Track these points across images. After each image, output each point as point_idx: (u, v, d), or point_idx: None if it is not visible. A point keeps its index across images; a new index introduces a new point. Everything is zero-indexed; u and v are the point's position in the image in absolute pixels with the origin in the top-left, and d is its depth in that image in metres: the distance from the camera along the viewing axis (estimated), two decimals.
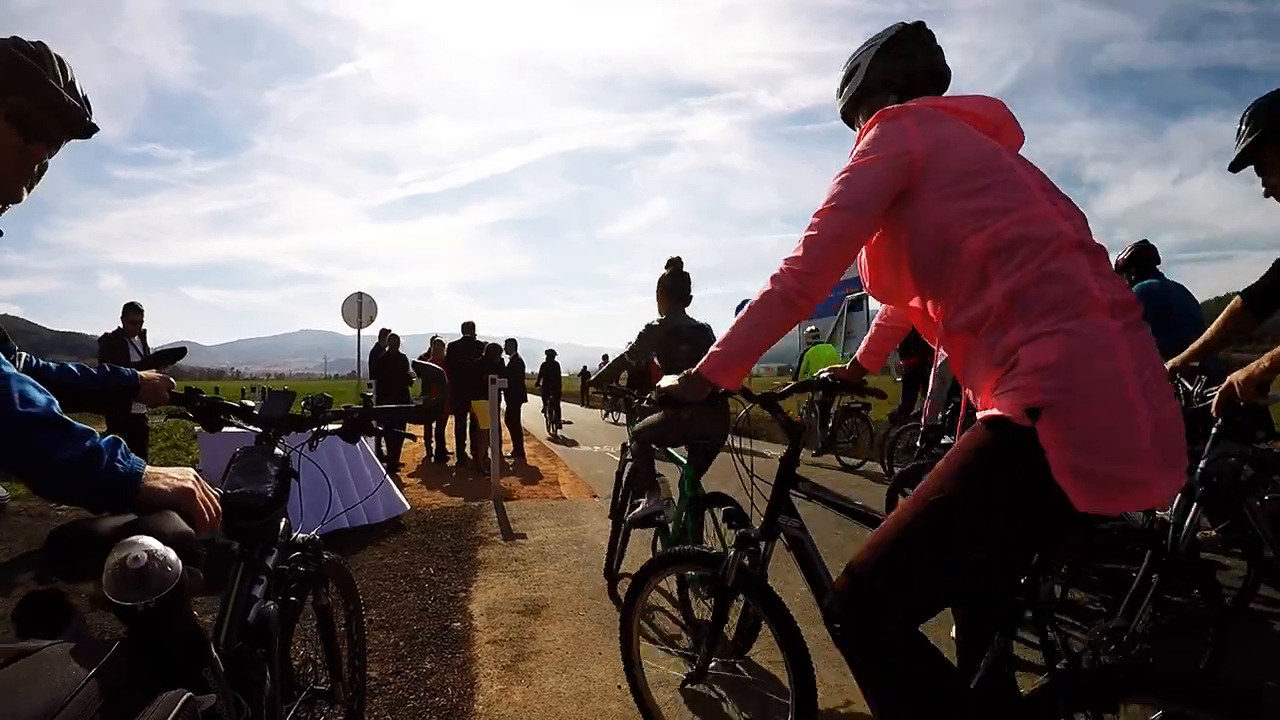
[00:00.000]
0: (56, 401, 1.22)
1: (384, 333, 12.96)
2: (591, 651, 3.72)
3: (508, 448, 12.32)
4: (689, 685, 2.68)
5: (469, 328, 11.88)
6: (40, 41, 1.52)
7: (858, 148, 1.78)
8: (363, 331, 14.30)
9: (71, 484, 1.18)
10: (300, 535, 2.04)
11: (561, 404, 21.19)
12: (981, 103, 1.86)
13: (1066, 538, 1.62)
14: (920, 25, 2.02)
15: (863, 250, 1.90)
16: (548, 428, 18.94)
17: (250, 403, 2.08)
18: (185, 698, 1.01)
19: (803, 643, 2.30)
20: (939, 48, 2.02)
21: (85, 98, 1.57)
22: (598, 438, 16.89)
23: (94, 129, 1.60)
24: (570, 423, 21.12)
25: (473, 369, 10.38)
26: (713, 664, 2.55)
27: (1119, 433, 1.41)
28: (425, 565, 5.38)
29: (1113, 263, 2.13)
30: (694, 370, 1.92)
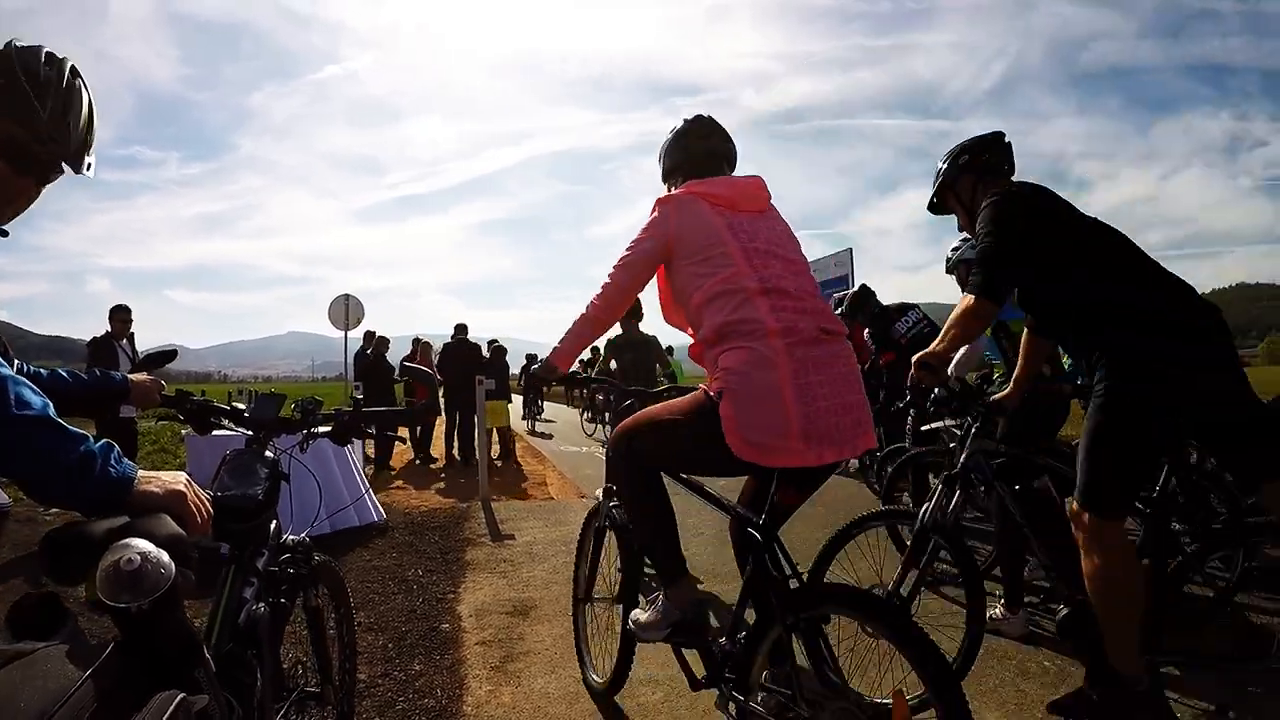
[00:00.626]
0: (51, 404, 1.23)
1: (369, 335, 12.94)
2: None
3: (495, 449, 12.34)
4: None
5: (462, 329, 11.89)
6: (51, 55, 1.45)
7: (644, 223, 2.56)
8: (350, 334, 14.27)
9: (66, 487, 1.20)
10: (290, 537, 2.04)
11: (544, 402, 22.80)
12: (727, 183, 2.59)
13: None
14: (700, 118, 2.79)
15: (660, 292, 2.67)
16: (523, 419, 20.44)
17: (240, 405, 2.08)
18: (179, 699, 1.02)
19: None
20: (721, 133, 2.77)
21: (59, 131, 1.46)
22: (583, 438, 16.92)
23: (75, 171, 1.54)
24: (553, 420, 21.19)
25: (479, 370, 10.41)
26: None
27: (769, 417, 2.14)
28: (414, 567, 5.39)
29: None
30: (546, 358, 2.68)
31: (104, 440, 1.28)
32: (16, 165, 1.41)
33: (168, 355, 2.21)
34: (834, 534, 3.33)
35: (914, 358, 3.04)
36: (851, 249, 13.59)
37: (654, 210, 2.56)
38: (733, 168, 2.76)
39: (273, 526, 1.90)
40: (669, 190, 2.70)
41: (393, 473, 11.11)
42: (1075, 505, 2.65)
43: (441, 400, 11.57)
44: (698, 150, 2.72)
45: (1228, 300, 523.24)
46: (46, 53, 1.45)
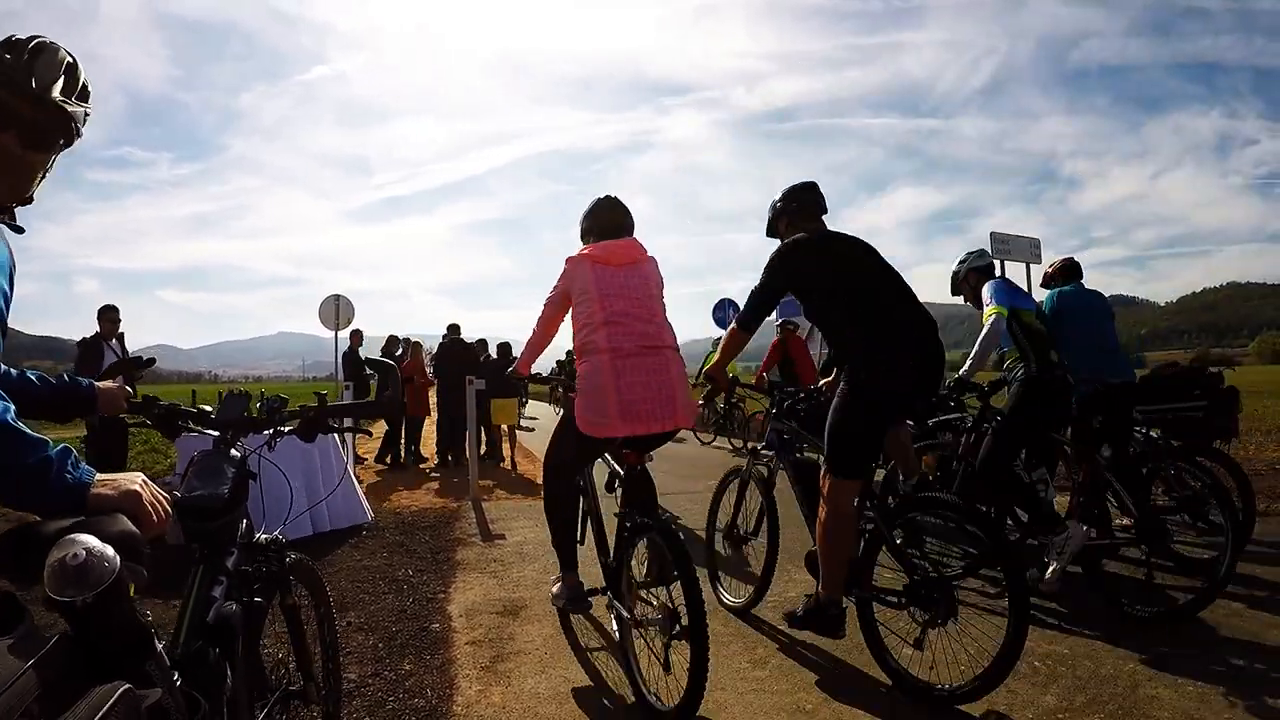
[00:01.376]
0: (13, 408, 1.25)
1: (355, 334, 12.93)
2: (571, 652, 3.74)
3: (506, 449, 12.38)
4: None
5: (454, 329, 11.90)
6: (30, 39, 1.50)
7: (558, 275, 3.71)
8: (341, 333, 14.25)
9: (22, 492, 1.23)
10: (263, 536, 2.04)
11: (529, 400, 23.86)
12: (609, 246, 3.66)
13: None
14: (609, 198, 3.88)
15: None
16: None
17: (208, 407, 2.07)
18: (123, 689, 1.03)
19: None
20: (622, 209, 3.85)
21: (60, 82, 1.51)
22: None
23: (64, 114, 1.54)
24: (536, 418, 21.16)
25: (472, 370, 10.45)
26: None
27: (598, 406, 3.32)
28: (404, 567, 5.37)
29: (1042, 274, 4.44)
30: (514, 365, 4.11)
31: (61, 446, 1.30)
32: (25, 142, 1.47)
33: (146, 362, 2.23)
34: None
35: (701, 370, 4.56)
36: None
37: (563, 268, 3.71)
38: (629, 233, 3.79)
39: (243, 525, 1.91)
40: (582, 246, 3.82)
41: (427, 467, 11.29)
42: (823, 469, 3.43)
43: (434, 400, 11.58)
44: (604, 221, 3.81)
45: (1219, 299, 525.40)
46: (29, 37, 1.50)
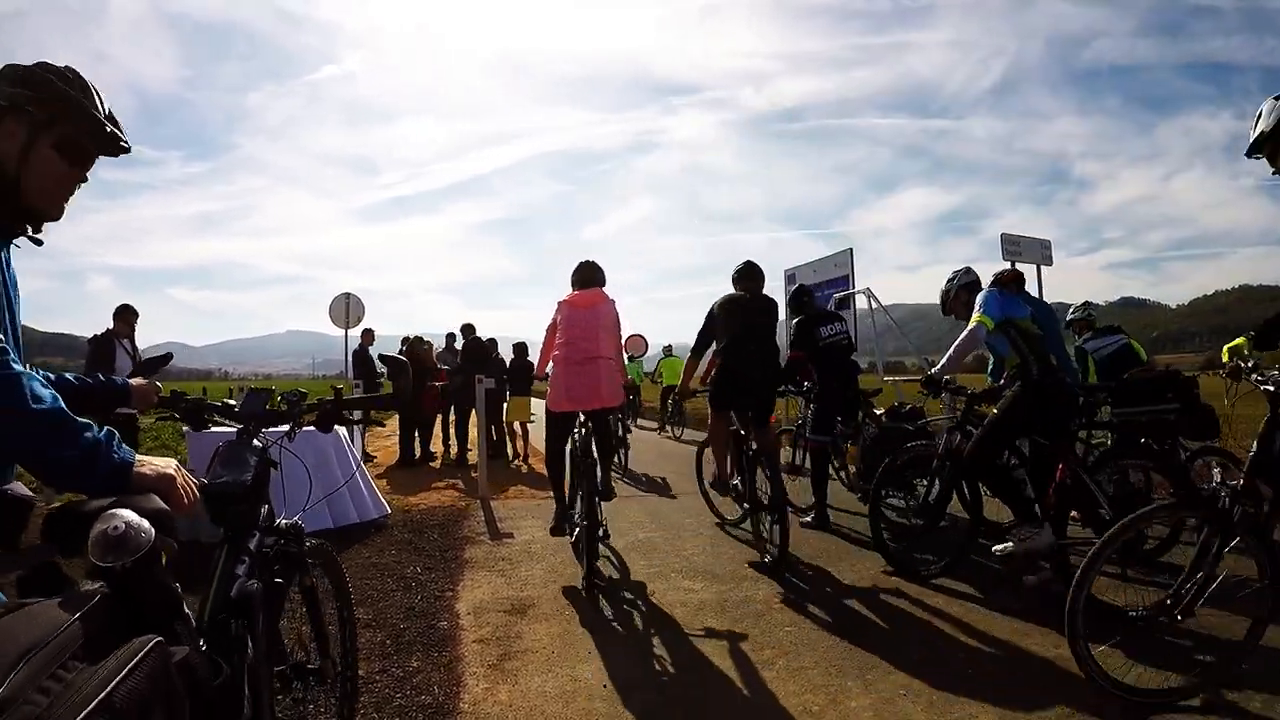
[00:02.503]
0: (60, 397, 1.41)
1: (367, 333, 12.98)
2: (578, 651, 3.74)
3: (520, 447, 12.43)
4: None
5: (469, 329, 11.97)
6: (70, 67, 1.68)
7: (552, 310, 5.60)
8: (351, 332, 14.30)
9: (75, 473, 1.38)
10: (283, 522, 2.16)
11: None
12: (575, 295, 5.53)
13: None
14: (588, 262, 5.71)
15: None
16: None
17: (232, 401, 2.20)
18: (155, 641, 1.15)
19: None
20: (594, 267, 5.66)
21: (112, 118, 1.71)
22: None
23: (126, 149, 1.75)
24: (534, 414, 21.24)
25: (484, 368, 10.50)
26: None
27: (557, 392, 5.32)
28: (412, 564, 5.39)
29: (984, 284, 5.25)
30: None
31: (107, 428, 1.45)
32: (70, 159, 1.65)
33: (164, 359, 2.40)
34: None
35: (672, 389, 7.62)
36: (851, 249, 13.56)
37: (556, 307, 5.57)
38: (597, 284, 5.62)
39: (264, 510, 2.03)
40: (568, 293, 5.63)
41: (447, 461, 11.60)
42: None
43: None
44: (580, 277, 5.68)
45: (1231, 302, 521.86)
46: (66, 66, 1.68)
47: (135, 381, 2.17)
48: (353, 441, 7.42)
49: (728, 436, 5.95)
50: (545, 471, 6.09)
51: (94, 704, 0.97)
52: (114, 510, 1.25)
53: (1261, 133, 3.41)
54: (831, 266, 13.79)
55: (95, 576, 1.22)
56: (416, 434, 12.10)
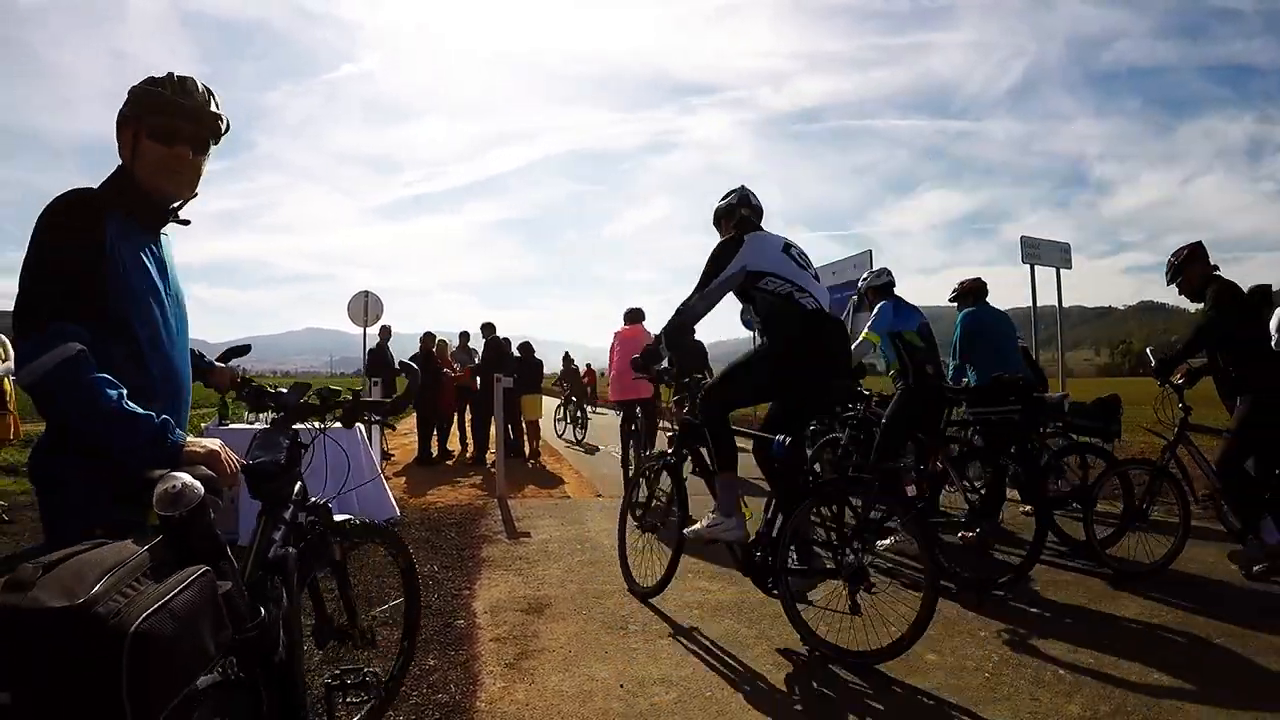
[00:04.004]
0: (125, 392, 1.74)
1: (384, 330, 13.04)
2: (595, 650, 3.74)
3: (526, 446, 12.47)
4: None
5: (489, 328, 12.02)
6: (170, 73, 1.99)
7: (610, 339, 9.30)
8: (370, 330, 14.36)
9: (141, 456, 1.69)
10: (315, 499, 2.44)
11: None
12: (624, 330, 9.09)
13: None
14: (632, 310, 9.21)
15: None
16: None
17: (283, 389, 2.51)
18: (205, 569, 1.46)
19: None
20: (636, 314, 9.17)
21: (210, 99, 2.01)
22: (597, 436, 16.91)
23: (217, 118, 2.04)
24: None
25: (503, 368, 10.57)
26: None
27: (616, 388, 9.04)
28: (430, 563, 5.41)
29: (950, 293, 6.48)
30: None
31: (163, 417, 1.78)
32: (163, 141, 1.93)
33: (244, 349, 2.77)
34: None
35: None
36: (871, 251, 13.52)
37: (613, 336, 9.13)
38: (639, 320, 9.08)
39: (297, 487, 2.31)
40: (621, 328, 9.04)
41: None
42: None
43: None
44: (631, 316, 9.08)
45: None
46: (167, 73, 2.00)
47: (220, 364, 2.57)
48: (370, 441, 7.44)
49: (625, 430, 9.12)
50: (560, 475, 7.17)
51: (157, 605, 1.29)
52: (172, 473, 1.52)
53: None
54: (850, 268, 13.75)
55: (158, 527, 1.49)
56: (435, 432, 12.17)
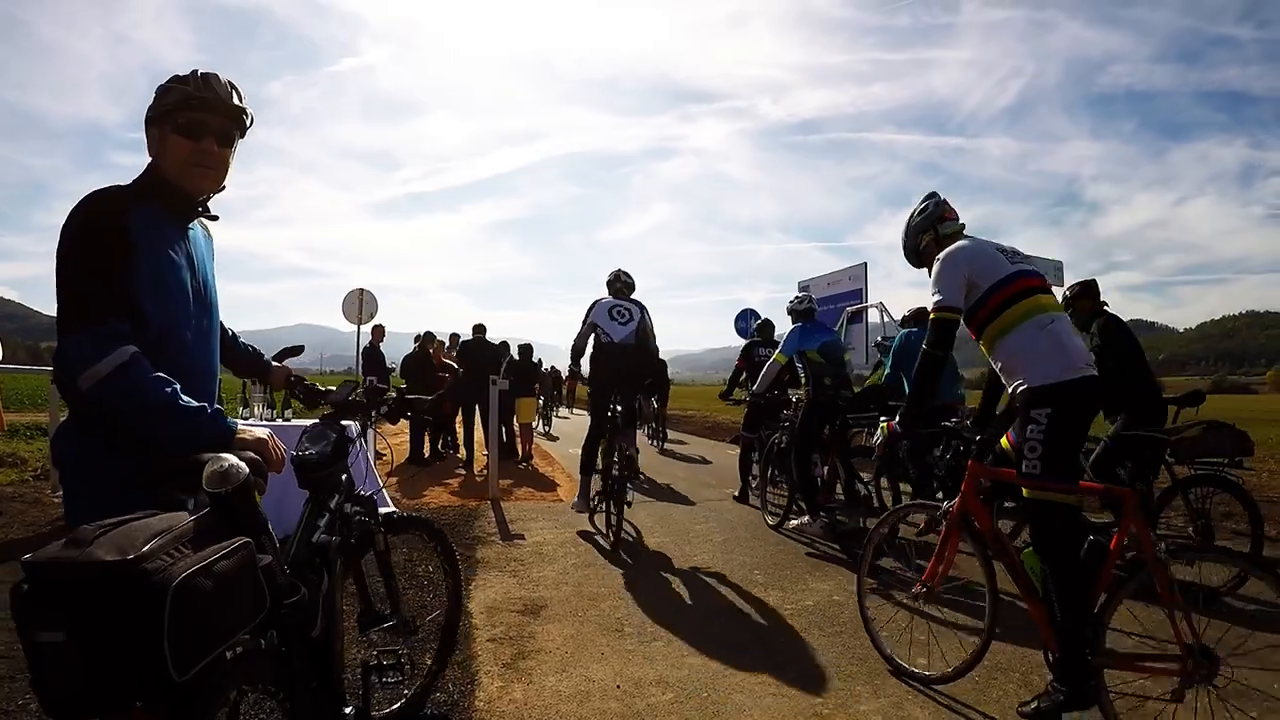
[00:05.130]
0: (178, 386, 1.81)
1: (377, 329, 13.04)
2: (591, 652, 3.77)
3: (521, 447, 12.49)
4: None
5: (480, 329, 12.02)
6: (194, 70, 2.03)
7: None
8: (363, 328, 14.33)
9: (199, 441, 1.78)
10: (362, 491, 2.61)
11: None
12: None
13: None
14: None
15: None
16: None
17: (333, 388, 2.69)
18: (245, 540, 1.60)
19: None
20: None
21: (233, 93, 2.05)
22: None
23: (241, 111, 2.07)
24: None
25: (495, 369, 10.67)
26: None
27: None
28: (424, 563, 5.40)
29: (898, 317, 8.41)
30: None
31: (215, 407, 1.89)
32: (189, 135, 1.98)
33: (298, 349, 2.83)
34: None
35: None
36: (866, 264, 13.62)
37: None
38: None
39: (344, 479, 2.46)
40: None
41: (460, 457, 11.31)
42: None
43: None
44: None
45: (1238, 327, 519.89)
46: (192, 70, 2.05)
47: (276, 363, 2.67)
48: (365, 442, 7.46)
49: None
50: (552, 478, 7.21)
51: (198, 566, 1.42)
52: (221, 455, 1.66)
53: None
54: (846, 280, 13.85)
55: (206, 502, 1.62)
56: (427, 433, 12.16)
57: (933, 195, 3.77)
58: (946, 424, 5.20)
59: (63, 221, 1.83)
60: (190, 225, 2.09)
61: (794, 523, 6.58)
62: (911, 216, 3.74)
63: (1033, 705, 2.98)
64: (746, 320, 16.63)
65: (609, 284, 7.24)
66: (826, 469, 6.61)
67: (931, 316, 3.31)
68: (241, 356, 2.57)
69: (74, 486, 1.92)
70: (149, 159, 2.01)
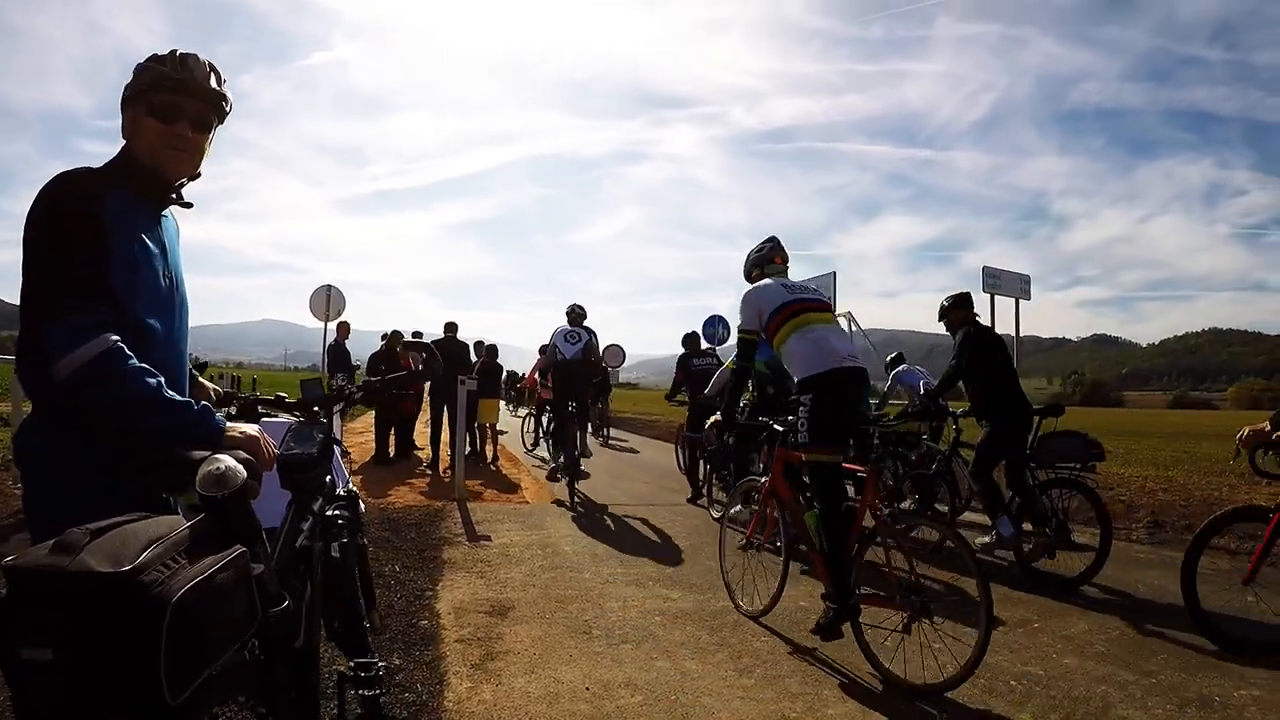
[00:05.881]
0: (163, 380, 1.74)
1: (343, 326, 12.94)
2: (560, 654, 3.77)
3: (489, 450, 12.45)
4: None
5: (451, 327, 11.94)
6: (173, 50, 1.96)
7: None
8: (329, 325, 14.19)
9: (186, 437, 1.71)
10: (342, 490, 2.52)
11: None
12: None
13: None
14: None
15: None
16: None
17: (284, 394, 2.57)
18: (241, 549, 1.50)
19: None
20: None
21: (212, 76, 1.96)
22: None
23: (220, 96, 1.99)
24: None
25: (464, 369, 10.69)
26: None
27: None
28: (391, 563, 5.38)
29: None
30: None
31: (203, 403, 1.81)
32: (162, 118, 1.90)
33: (201, 367, 2.54)
34: None
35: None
36: (835, 273, 13.74)
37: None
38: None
39: (328, 480, 2.37)
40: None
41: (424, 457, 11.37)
42: None
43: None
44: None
45: (1200, 344, 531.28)
46: (170, 50, 1.98)
47: (202, 382, 2.43)
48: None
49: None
50: (518, 480, 7.40)
51: (199, 579, 1.33)
52: (217, 455, 1.57)
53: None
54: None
55: (200, 506, 1.53)
56: (393, 432, 12.06)
57: (772, 239, 4.81)
58: (763, 418, 5.76)
59: (24, 208, 1.73)
60: (164, 213, 2.00)
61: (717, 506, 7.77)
62: (752, 251, 4.84)
63: (819, 622, 3.81)
64: (715, 326, 16.68)
65: (567, 314, 9.69)
66: (763, 465, 7.14)
67: (737, 338, 4.58)
68: None
69: (47, 481, 1.79)
70: (121, 143, 1.93)
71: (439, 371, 2.77)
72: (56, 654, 1.18)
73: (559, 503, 8.54)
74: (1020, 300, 10.07)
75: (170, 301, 1.94)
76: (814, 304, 4.35)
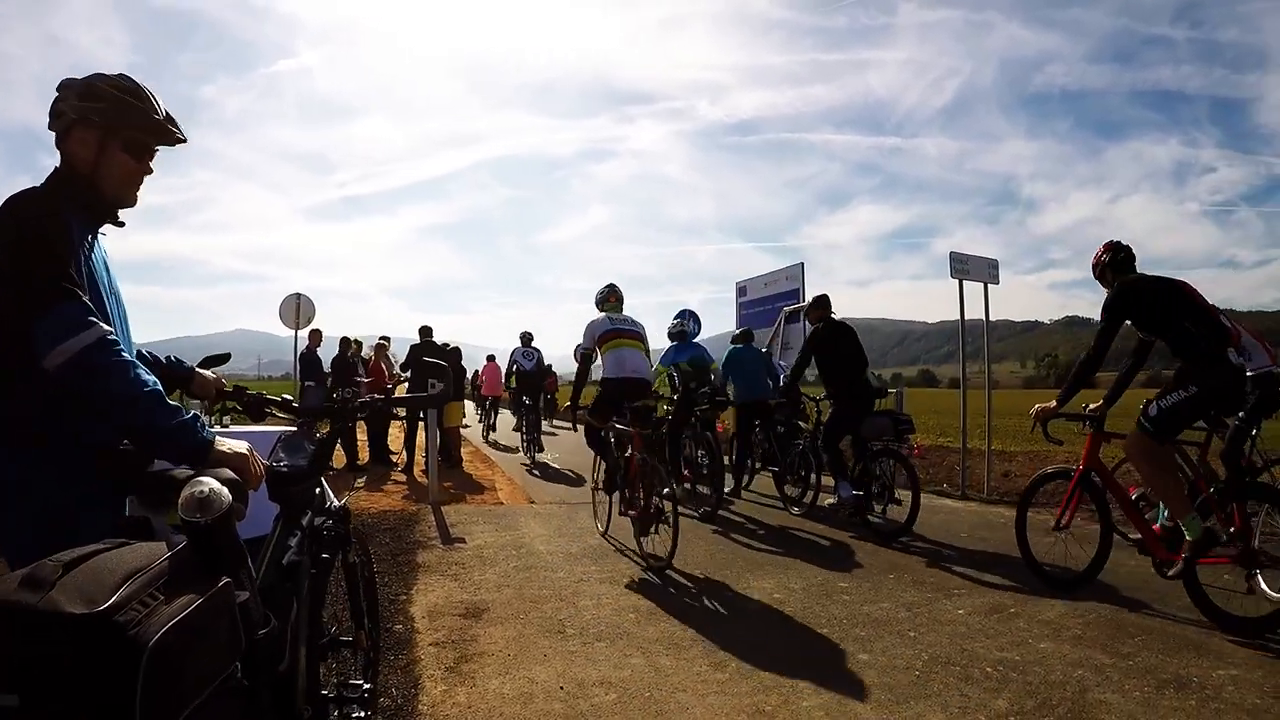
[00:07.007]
0: (159, 381, 1.72)
1: (314, 334, 12.81)
2: (534, 654, 3.77)
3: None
4: None
5: (426, 331, 11.85)
6: (125, 75, 1.99)
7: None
8: (300, 333, 14.05)
9: (169, 446, 1.72)
10: (333, 504, 2.44)
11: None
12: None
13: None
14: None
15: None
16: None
17: (289, 397, 2.48)
18: (225, 580, 1.45)
19: None
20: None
21: (169, 116, 2.03)
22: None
23: (183, 140, 2.08)
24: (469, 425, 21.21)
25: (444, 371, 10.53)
26: None
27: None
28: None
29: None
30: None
31: (193, 412, 1.76)
32: (136, 156, 1.97)
33: (224, 358, 2.64)
34: None
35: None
36: (803, 264, 13.79)
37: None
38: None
39: (318, 493, 2.32)
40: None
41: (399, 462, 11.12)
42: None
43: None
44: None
45: None
46: (119, 74, 1.99)
47: (200, 370, 2.44)
48: None
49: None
50: (490, 483, 7.96)
51: (178, 618, 1.26)
52: (200, 477, 1.50)
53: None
54: (783, 280, 13.99)
55: (181, 528, 1.46)
56: (364, 439, 11.97)
57: (610, 285, 6.74)
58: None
59: None
60: (101, 231, 2.01)
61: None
62: (598, 294, 6.78)
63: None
64: (685, 320, 16.67)
65: (520, 337, 14.80)
66: (693, 445, 8.83)
67: (578, 353, 6.50)
68: (150, 364, 2.25)
69: (18, 506, 1.74)
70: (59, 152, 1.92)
71: (449, 393, 2.73)
72: (24, 700, 1.12)
73: (533, 501, 8.55)
74: (989, 284, 10.13)
75: (117, 317, 1.96)
76: (628, 334, 6.34)
